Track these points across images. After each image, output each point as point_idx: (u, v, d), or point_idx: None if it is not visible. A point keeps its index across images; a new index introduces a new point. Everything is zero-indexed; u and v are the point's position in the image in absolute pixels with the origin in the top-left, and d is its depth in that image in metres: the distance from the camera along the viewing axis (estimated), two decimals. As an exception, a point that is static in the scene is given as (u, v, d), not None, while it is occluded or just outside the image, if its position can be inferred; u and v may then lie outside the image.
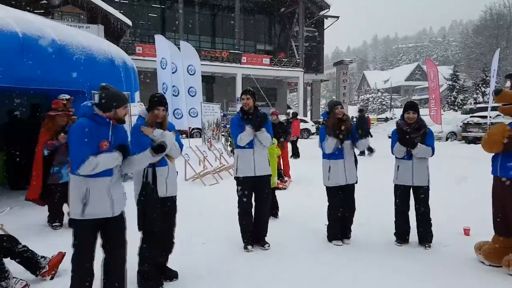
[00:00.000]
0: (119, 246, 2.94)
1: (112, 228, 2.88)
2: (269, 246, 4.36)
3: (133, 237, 3.32)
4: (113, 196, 2.81)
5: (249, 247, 4.31)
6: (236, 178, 4.39)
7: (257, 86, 23.99)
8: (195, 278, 3.52)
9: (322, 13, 32.71)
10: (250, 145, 4.26)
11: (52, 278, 3.49)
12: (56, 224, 5.07)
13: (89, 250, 2.80)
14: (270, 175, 4.51)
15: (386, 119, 37.60)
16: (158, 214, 3.24)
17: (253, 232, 4.42)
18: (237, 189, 4.39)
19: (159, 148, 2.91)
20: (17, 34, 5.54)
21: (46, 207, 5.21)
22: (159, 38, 10.30)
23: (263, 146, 4.34)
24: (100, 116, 2.77)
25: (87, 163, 2.63)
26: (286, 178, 8.37)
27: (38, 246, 3.67)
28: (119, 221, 2.92)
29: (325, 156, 4.46)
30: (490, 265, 3.70)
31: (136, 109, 6.16)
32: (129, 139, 3.10)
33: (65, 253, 3.63)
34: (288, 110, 24.36)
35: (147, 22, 29.43)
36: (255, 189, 4.35)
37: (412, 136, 4.19)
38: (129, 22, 20.46)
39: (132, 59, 8.72)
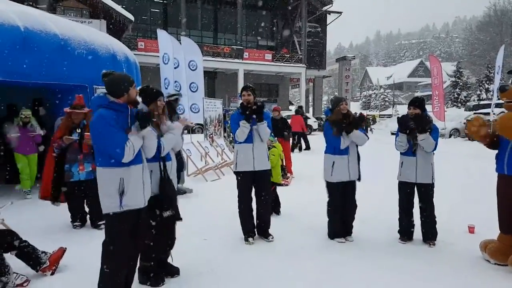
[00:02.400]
0: (142, 239, 2.99)
1: (141, 220, 2.88)
2: (272, 238, 4.45)
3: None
4: (145, 184, 2.82)
5: (250, 239, 4.37)
6: (236, 173, 4.43)
7: (258, 82, 23.90)
8: (197, 274, 3.50)
9: (325, 8, 32.53)
10: (249, 140, 4.29)
11: (52, 274, 3.47)
12: (76, 223, 4.90)
13: (128, 247, 2.79)
14: (270, 169, 4.54)
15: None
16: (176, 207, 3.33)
17: (256, 226, 4.51)
18: (237, 183, 4.44)
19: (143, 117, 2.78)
20: (19, 28, 5.50)
21: (47, 203, 5.14)
22: (161, 33, 10.23)
23: (262, 141, 4.36)
24: (117, 103, 2.72)
25: (127, 149, 2.60)
26: (288, 175, 8.34)
27: (39, 242, 3.65)
28: (145, 212, 2.93)
29: (329, 151, 4.42)
30: (495, 264, 3.66)
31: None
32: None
33: (65, 248, 3.62)
34: (290, 107, 24.45)
35: (150, 17, 29.35)
36: (255, 183, 4.40)
37: (412, 124, 4.14)
38: (132, 17, 20.36)
39: (134, 54, 8.68)
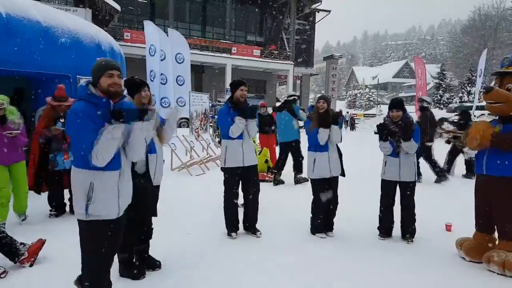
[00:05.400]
0: (115, 249, 2.75)
1: (114, 231, 2.57)
2: (260, 233, 4.45)
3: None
4: (120, 193, 2.50)
5: (233, 234, 4.38)
6: (224, 169, 4.40)
7: (246, 77, 23.86)
8: (178, 267, 3.50)
9: (313, 6, 32.66)
10: (240, 136, 4.28)
11: (31, 265, 3.42)
12: (52, 213, 4.94)
13: (105, 255, 2.53)
14: (257, 164, 4.55)
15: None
16: (150, 204, 3.24)
17: (245, 221, 4.53)
18: (225, 179, 4.41)
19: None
20: (1, 15, 5.36)
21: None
22: (148, 25, 10.12)
23: (250, 137, 4.39)
24: (96, 95, 2.38)
25: (93, 154, 2.28)
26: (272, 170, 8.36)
27: (17, 233, 3.59)
28: (122, 221, 2.63)
29: (311, 148, 4.50)
30: (470, 261, 3.76)
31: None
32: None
33: (45, 240, 3.57)
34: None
35: (136, 7, 28.90)
36: (243, 179, 4.39)
37: (392, 131, 4.21)
38: (118, 7, 20.00)
39: (119, 45, 8.55)
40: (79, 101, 2.41)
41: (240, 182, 4.41)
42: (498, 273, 3.44)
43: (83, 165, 2.35)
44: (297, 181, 7.44)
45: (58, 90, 4.91)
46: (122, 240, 3.13)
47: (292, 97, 7.92)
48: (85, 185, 2.37)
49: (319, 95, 4.75)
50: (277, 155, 8.85)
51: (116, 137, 2.31)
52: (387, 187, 4.42)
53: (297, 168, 7.54)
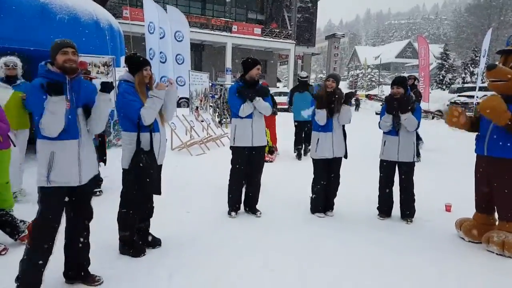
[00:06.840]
0: (85, 218, 2.80)
1: (78, 198, 2.69)
2: (260, 213, 4.47)
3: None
4: (82, 161, 2.60)
5: (233, 213, 4.40)
6: (233, 148, 4.37)
7: (246, 57, 23.59)
8: (178, 245, 3.52)
9: (316, -17, 31.94)
10: (249, 115, 4.24)
11: (32, 243, 3.43)
12: (96, 190, 4.95)
13: (54, 221, 2.59)
14: (265, 146, 4.53)
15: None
16: (154, 181, 3.22)
17: (246, 201, 4.54)
18: (232, 158, 4.38)
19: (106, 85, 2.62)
20: (-5, -11, 5.23)
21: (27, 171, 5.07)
22: (147, 1, 9.90)
23: (261, 116, 4.34)
24: (54, 72, 2.53)
25: (40, 125, 2.42)
26: (274, 151, 8.34)
27: (17, 210, 3.60)
28: (86, 190, 2.75)
29: (315, 128, 4.47)
30: (469, 241, 3.78)
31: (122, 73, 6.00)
32: (97, 95, 2.71)
33: (46, 218, 3.57)
34: (278, 84, 24.42)
35: (135, -16, 28.26)
36: (249, 159, 4.35)
37: (398, 105, 4.18)
38: (116, -16, 19.60)
39: (118, 22, 8.38)
40: (38, 77, 2.53)
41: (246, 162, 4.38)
42: (497, 254, 3.46)
43: (44, 136, 2.49)
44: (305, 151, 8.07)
45: (81, 64, 4.89)
46: (123, 218, 3.16)
47: (306, 78, 8.50)
48: (47, 154, 2.51)
49: (320, 75, 4.69)
50: (277, 136, 8.85)
51: (52, 110, 2.40)
52: (386, 167, 4.42)
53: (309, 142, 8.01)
